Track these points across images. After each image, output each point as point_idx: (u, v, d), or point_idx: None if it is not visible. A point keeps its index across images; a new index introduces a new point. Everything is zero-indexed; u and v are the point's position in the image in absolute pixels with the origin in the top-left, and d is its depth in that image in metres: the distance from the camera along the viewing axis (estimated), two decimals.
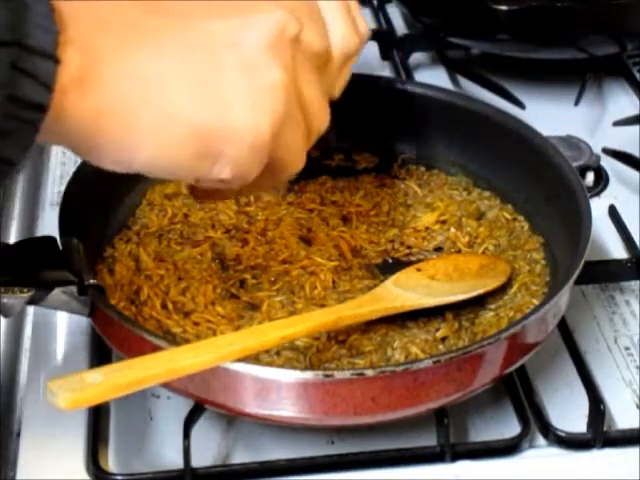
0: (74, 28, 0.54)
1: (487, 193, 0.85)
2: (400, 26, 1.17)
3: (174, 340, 0.71)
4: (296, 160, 0.64)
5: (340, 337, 0.72)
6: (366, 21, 0.70)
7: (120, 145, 0.57)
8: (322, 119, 0.64)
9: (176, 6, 0.59)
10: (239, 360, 0.63)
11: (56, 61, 0.53)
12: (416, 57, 1.11)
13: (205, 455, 0.70)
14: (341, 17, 0.67)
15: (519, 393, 0.73)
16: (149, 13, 0.58)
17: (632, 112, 1.01)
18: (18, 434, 0.74)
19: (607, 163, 0.95)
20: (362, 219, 0.83)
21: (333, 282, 0.77)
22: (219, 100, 0.58)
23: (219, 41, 0.58)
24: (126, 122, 0.56)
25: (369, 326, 0.72)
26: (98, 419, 0.71)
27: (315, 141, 0.65)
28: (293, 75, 0.60)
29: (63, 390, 0.57)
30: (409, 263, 0.79)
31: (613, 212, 0.89)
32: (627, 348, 0.78)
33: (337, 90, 0.70)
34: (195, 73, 0.57)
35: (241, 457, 0.70)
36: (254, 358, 0.67)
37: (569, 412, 0.73)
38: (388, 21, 1.17)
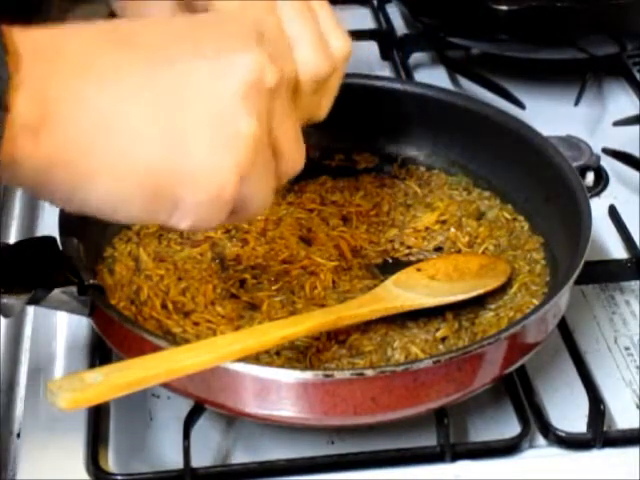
0: (29, 68, 0.51)
1: (487, 193, 0.85)
2: (400, 26, 1.17)
3: (174, 340, 0.71)
4: (262, 202, 0.61)
5: (340, 337, 0.72)
6: (347, 36, 0.66)
7: (71, 191, 0.55)
8: (297, 162, 0.62)
9: (147, 42, 0.56)
10: (239, 360, 0.63)
11: (5, 109, 0.50)
12: (416, 57, 1.11)
13: (205, 455, 0.70)
14: (307, 41, 0.63)
15: (519, 393, 0.73)
16: (115, 49, 0.55)
17: (632, 112, 1.01)
18: (18, 434, 0.74)
19: (607, 163, 0.95)
20: (362, 219, 0.83)
21: (333, 282, 0.77)
22: (181, 146, 0.55)
23: (190, 85, 0.55)
24: (79, 168, 0.54)
25: (369, 326, 0.72)
26: (98, 419, 0.71)
27: (285, 181, 0.63)
28: (267, 124, 0.57)
29: (63, 390, 0.57)
30: (409, 263, 0.79)
31: (613, 212, 0.89)
32: (627, 348, 0.78)
33: (321, 112, 0.67)
34: (157, 116, 0.55)
35: (241, 457, 0.70)
36: (254, 358, 0.67)
37: (569, 412, 0.73)
38: (388, 21, 1.17)
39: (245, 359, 0.64)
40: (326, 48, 0.65)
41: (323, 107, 0.68)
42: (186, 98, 0.55)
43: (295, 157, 0.62)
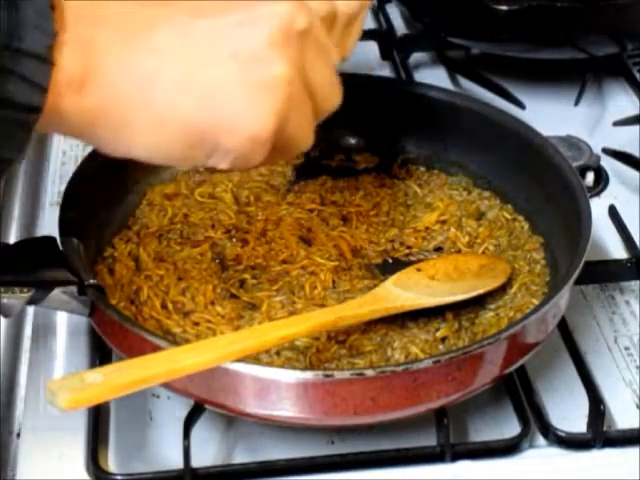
0: (73, 26, 0.54)
1: (487, 193, 0.85)
2: (400, 26, 1.17)
3: (174, 340, 0.71)
4: (305, 139, 0.64)
5: (340, 337, 0.72)
6: None
7: (116, 139, 0.58)
8: (333, 100, 0.65)
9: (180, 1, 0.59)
10: (239, 360, 0.63)
11: (50, 63, 0.53)
12: (416, 57, 1.11)
13: (205, 455, 0.70)
14: None
15: (519, 393, 0.73)
16: (149, 6, 0.58)
17: (632, 112, 1.01)
18: (18, 434, 0.74)
19: (607, 163, 0.95)
20: (362, 219, 0.83)
21: (333, 282, 0.77)
22: (217, 97, 0.58)
23: (222, 36, 0.58)
24: (121, 119, 0.57)
25: (369, 326, 0.72)
26: (98, 419, 0.71)
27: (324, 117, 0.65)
28: (300, 67, 0.60)
29: (63, 390, 0.57)
30: (409, 263, 0.79)
31: (613, 212, 0.89)
32: (627, 348, 0.78)
33: (347, 50, 0.70)
34: (192, 69, 0.58)
35: (241, 457, 0.70)
36: (254, 358, 0.67)
37: (569, 412, 0.73)
38: (388, 21, 1.17)
39: (245, 359, 0.64)
40: None
41: (349, 46, 0.71)
42: (220, 50, 0.58)
43: (330, 95, 0.64)
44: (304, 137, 0.63)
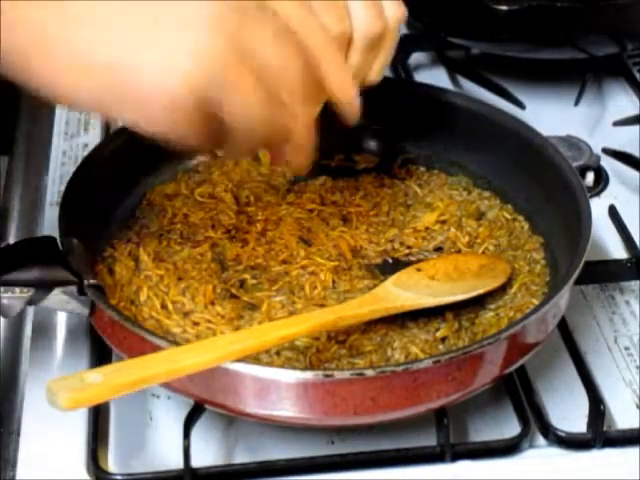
0: None
1: (487, 193, 0.85)
2: (400, 26, 1.17)
3: (174, 340, 0.71)
4: (256, 121, 0.59)
5: (340, 337, 0.72)
6: (401, 4, 0.69)
7: (40, 78, 0.57)
8: (291, 70, 0.60)
9: None
10: (239, 360, 0.63)
11: None
12: (416, 57, 1.11)
13: (205, 455, 0.70)
14: (361, 3, 0.65)
15: (519, 393, 0.73)
16: None
17: (632, 112, 1.01)
18: (18, 434, 0.74)
19: (607, 163, 0.95)
20: (362, 219, 0.83)
21: (333, 282, 0.77)
22: (135, 47, 0.56)
23: None
24: (42, 56, 0.56)
25: (369, 326, 0.72)
26: (98, 419, 0.71)
27: (318, 109, 0.63)
28: (239, 44, 0.56)
29: (63, 390, 0.57)
30: (409, 263, 0.79)
31: (613, 212, 0.89)
32: (627, 348, 0.78)
33: (374, 74, 0.69)
34: (118, 13, 0.56)
35: (241, 457, 0.70)
36: (254, 358, 0.67)
37: (569, 412, 0.73)
38: None
39: (245, 359, 0.64)
40: (380, 12, 0.67)
41: (375, 70, 0.70)
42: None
43: (284, 71, 0.59)
44: (255, 118, 0.58)
